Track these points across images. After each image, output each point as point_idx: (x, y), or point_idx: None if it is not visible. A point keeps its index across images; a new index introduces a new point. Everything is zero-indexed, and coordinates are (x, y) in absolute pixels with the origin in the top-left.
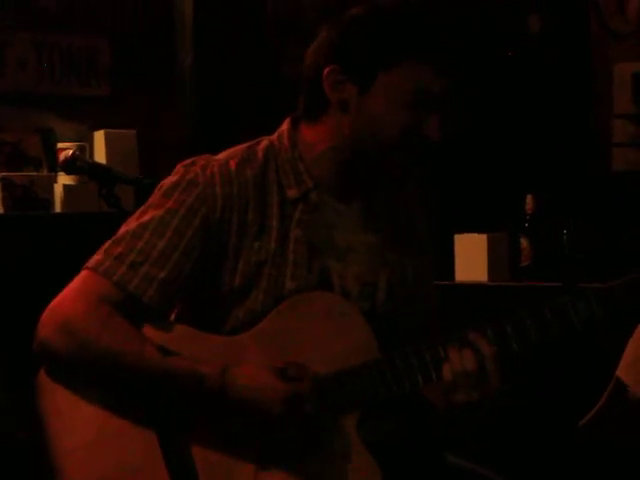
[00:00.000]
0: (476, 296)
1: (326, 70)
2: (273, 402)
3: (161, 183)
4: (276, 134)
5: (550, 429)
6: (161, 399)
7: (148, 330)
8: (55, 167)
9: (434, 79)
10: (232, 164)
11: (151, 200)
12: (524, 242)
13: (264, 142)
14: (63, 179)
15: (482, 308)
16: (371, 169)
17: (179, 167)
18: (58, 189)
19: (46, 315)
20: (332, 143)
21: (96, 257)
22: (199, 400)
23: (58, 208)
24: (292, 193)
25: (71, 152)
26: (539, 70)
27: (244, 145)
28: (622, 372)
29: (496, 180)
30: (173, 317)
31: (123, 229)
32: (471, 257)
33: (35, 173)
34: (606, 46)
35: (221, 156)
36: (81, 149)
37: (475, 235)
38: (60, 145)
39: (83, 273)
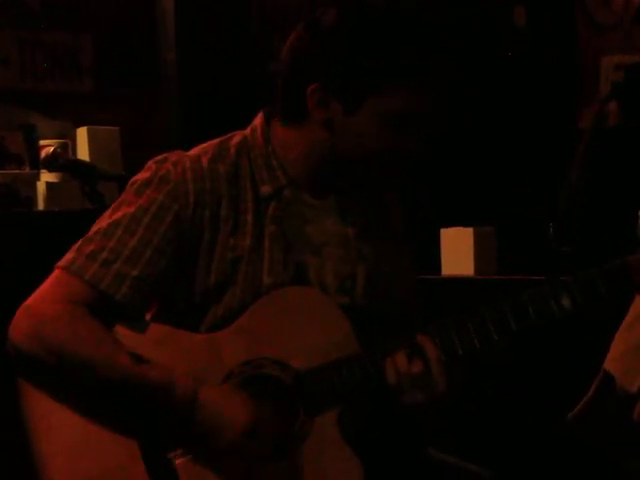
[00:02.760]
0: (463, 290)
1: (310, 88)
2: (230, 434)
3: (133, 179)
4: (249, 129)
5: (537, 423)
6: (136, 407)
7: (124, 330)
8: (38, 164)
9: (421, 102)
10: (204, 160)
11: (123, 197)
12: None
13: (236, 137)
14: (46, 176)
15: (469, 302)
16: (344, 177)
17: (151, 163)
18: (41, 187)
19: (19, 316)
20: (309, 151)
21: (68, 256)
22: (168, 412)
23: (41, 206)
24: (265, 190)
25: (52, 149)
26: (525, 63)
27: (216, 140)
28: (610, 365)
29: (482, 174)
30: (150, 316)
31: (95, 227)
32: (457, 251)
33: (17, 171)
34: (592, 39)
35: (193, 152)
36: (63, 146)
37: (461, 229)
38: (42, 142)
39: (55, 272)
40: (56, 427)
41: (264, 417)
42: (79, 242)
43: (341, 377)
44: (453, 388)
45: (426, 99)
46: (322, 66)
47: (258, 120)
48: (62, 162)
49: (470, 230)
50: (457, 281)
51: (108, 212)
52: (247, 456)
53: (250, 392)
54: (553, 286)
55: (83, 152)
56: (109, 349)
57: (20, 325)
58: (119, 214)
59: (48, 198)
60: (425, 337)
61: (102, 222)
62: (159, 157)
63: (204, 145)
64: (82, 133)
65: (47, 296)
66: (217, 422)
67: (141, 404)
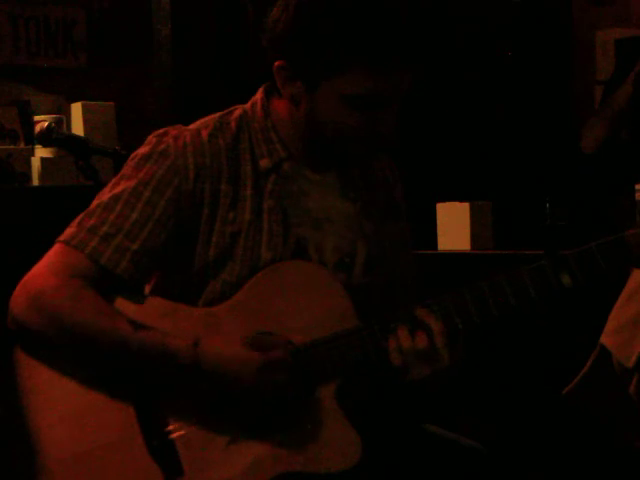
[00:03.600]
0: (459, 265)
1: (276, 64)
2: (246, 373)
3: (134, 153)
4: (249, 103)
5: (534, 397)
6: (135, 373)
7: (123, 303)
8: (32, 140)
9: (382, 84)
10: (204, 134)
11: (123, 171)
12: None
13: (237, 111)
14: (41, 152)
15: (465, 277)
16: (330, 148)
17: (151, 137)
18: (36, 162)
19: (18, 290)
20: (297, 125)
21: (69, 230)
22: (172, 374)
23: (36, 181)
24: (264, 163)
25: (46, 124)
26: (520, 38)
27: (217, 114)
28: (606, 339)
29: (477, 149)
30: (149, 289)
31: (96, 201)
32: (454, 226)
33: (12, 146)
34: (588, 13)
35: (193, 126)
36: (58, 121)
37: (457, 204)
38: (37, 118)
39: (56, 246)
40: (54, 399)
41: (269, 355)
42: (80, 216)
43: (340, 351)
44: (457, 361)
45: (384, 82)
46: (286, 43)
47: (259, 94)
48: (56, 136)
49: (466, 205)
50: (453, 256)
51: (109, 186)
52: (267, 392)
53: None
54: (552, 261)
55: (78, 127)
56: (108, 317)
57: (20, 298)
58: (119, 188)
59: (43, 174)
60: (426, 310)
61: (103, 196)
62: (159, 131)
63: (205, 119)
64: (77, 108)
65: (47, 269)
66: (228, 369)
67: (143, 369)
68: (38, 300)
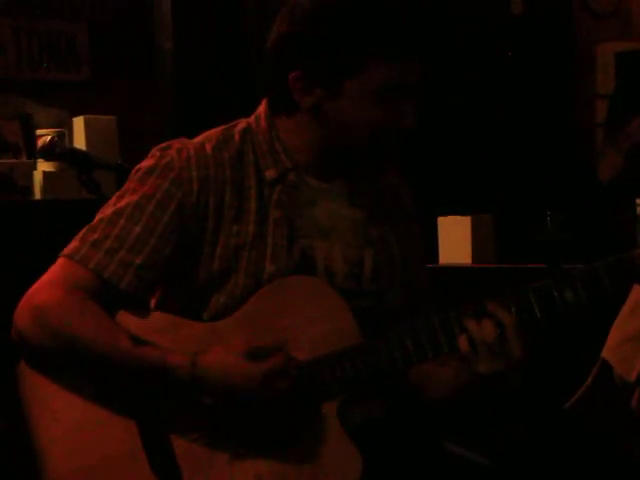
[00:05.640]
0: (460, 278)
1: (291, 76)
2: (247, 383)
3: (137, 167)
4: (253, 116)
5: (535, 412)
6: (137, 387)
7: (126, 317)
8: (34, 154)
9: (404, 72)
10: (208, 147)
11: (127, 185)
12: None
13: (241, 124)
14: (43, 166)
15: (467, 290)
16: (347, 155)
17: (154, 151)
18: (38, 176)
19: (22, 304)
20: (308, 139)
21: (72, 244)
22: (172, 390)
23: (38, 195)
24: (270, 174)
25: (49, 138)
26: (522, 52)
27: (220, 127)
28: (608, 353)
29: (479, 162)
30: (154, 301)
31: (99, 215)
32: (455, 239)
33: (14, 160)
34: (588, 26)
35: (197, 139)
36: (60, 135)
37: (459, 217)
38: (39, 132)
39: (59, 261)
40: (58, 411)
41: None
42: (83, 230)
43: (343, 368)
44: (529, 355)
45: (405, 73)
46: (300, 53)
47: (262, 107)
48: (59, 151)
49: (468, 219)
50: (455, 270)
51: (112, 200)
52: (269, 400)
53: None
54: (556, 280)
55: (80, 141)
56: (110, 333)
57: (24, 312)
58: (123, 202)
59: (45, 187)
60: (497, 304)
61: (106, 210)
62: (163, 144)
63: (208, 132)
64: (79, 122)
65: (51, 284)
66: (228, 380)
67: (142, 385)
68: (42, 315)
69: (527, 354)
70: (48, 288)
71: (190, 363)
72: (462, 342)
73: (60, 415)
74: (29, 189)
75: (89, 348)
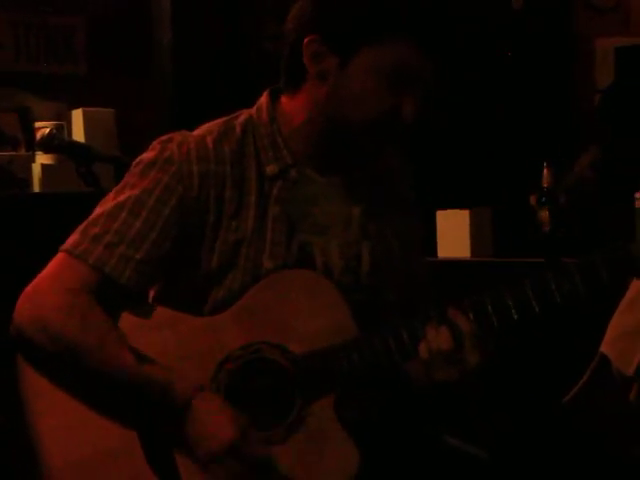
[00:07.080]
0: (459, 272)
1: (306, 39)
2: (217, 441)
3: (138, 159)
4: (254, 107)
5: (534, 406)
6: (136, 401)
7: (125, 313)
8: (33, 146)
9: (417, 59)
10: (209, 140)
11: (127, 179)
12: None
13: (242, 116)
14: (41, 158)
15: (465, 284)
16: (345, 143)
17: (155, 143)
18: (36, 168)
19: (22, 301)
20: (309, 115)
21: (72, 238)
22: (165, 410)
23: (36, 188)
24: (271, 169)
25: (48, 130)
26: (522, 47)
27: (221, 120)
28: (606, 348)
29: (478, 155)
30: (153, 295)
31: (100, 209)
32: (453, 233)
33: (13, 152)
34: (588, 21)
35: (198, 132)
36: (59, 128)
37: (457, 211)
38: (38, 124)
39: (59, 256)
40: (57, 403)
41: (250, 436)
42: (83, 224)
43: (339, 362)
44: (484, 363)
45: (418, 60)
46: (318, 15)
47: (263, 98)
48: (57, 143)
49: (466, 212)
50: (453, 263)
51: (112, 194)
52: (224, 471)
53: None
54: (555, 272)
55: (78, 134)
56: (113, 346)
57: (24, 311)
58: (123, 196)
59: (43, 180)
60: (456, 310)
61: (106, 204)
62: (164, 137)
63: (209, 124)
64: (77, 115)
65: (52, 283)
66: (203, 432)
67: (141, 400)
68: (43, 319)
69: (483, 362)
70: (50, 289)
71: (189, 395)
72: (422, 348)
73: (59, 406)
74: (28, 182)
75: (91, 359)
